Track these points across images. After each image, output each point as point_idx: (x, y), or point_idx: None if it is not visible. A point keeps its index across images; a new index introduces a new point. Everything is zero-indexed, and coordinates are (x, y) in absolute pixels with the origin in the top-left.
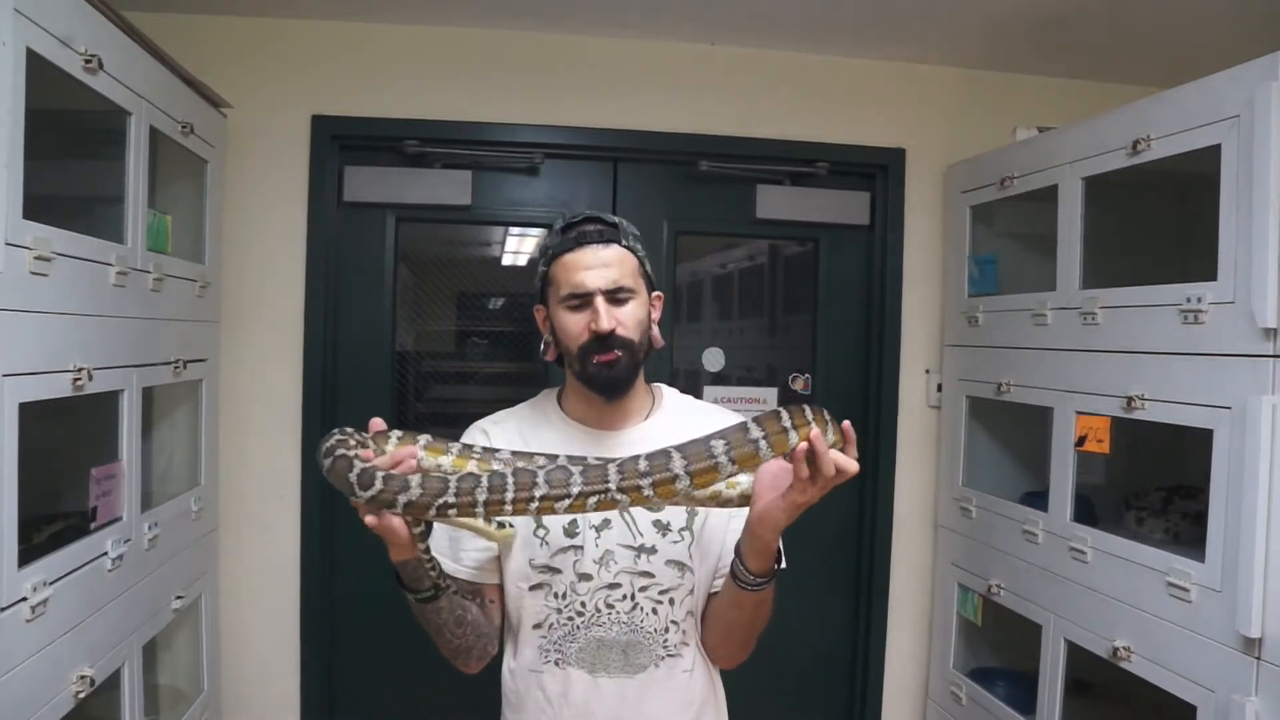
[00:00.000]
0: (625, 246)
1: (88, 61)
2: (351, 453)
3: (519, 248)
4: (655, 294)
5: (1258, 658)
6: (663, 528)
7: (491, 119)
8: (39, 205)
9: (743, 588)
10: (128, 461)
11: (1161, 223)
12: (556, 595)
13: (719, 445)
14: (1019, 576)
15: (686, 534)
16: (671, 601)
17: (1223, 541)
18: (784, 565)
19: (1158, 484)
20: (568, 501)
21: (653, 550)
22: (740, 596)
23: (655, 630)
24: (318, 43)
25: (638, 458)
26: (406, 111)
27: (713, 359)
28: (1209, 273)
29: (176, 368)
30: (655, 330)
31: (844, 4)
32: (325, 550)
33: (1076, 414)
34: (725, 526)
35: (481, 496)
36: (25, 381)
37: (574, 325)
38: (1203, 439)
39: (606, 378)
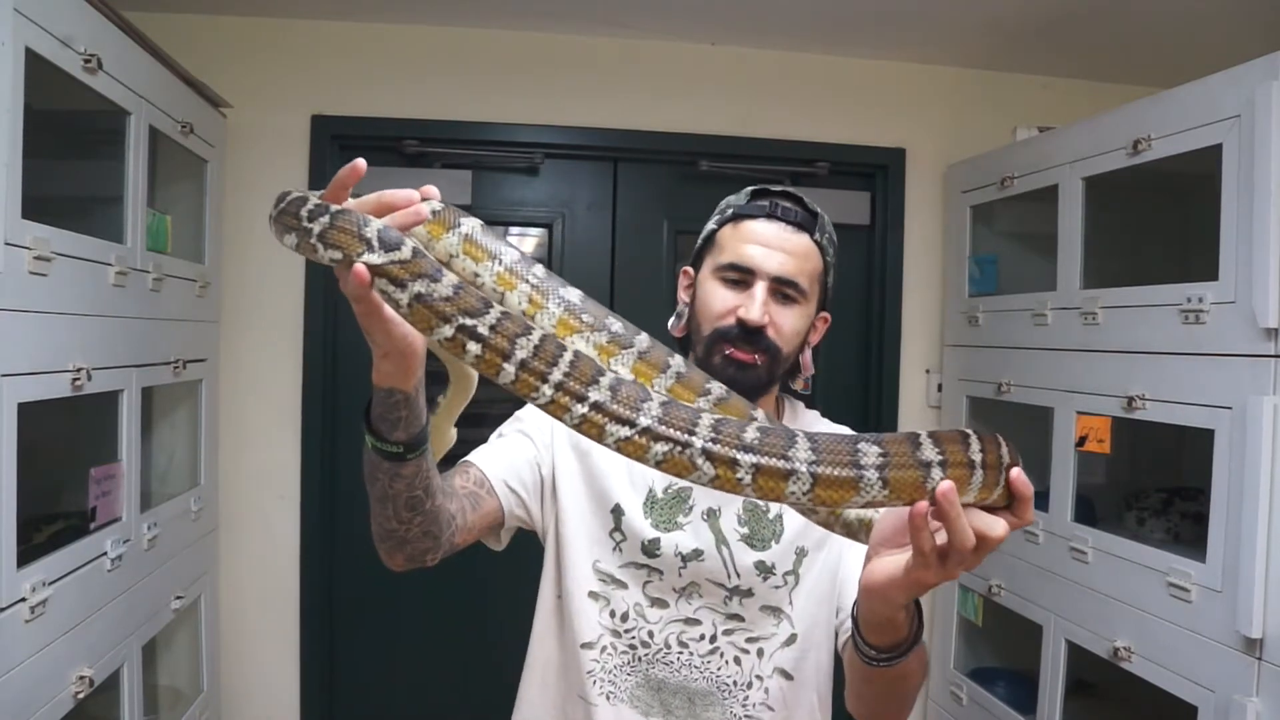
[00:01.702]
0: (819, 244)
1: (87, 61)
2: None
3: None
4: (822, 315)
5: (1258, 658)
6: (765, 570)
7: (491, 119)
8: (39, 205)
9: (867, 663)
10: (127, 462)
11: (1161, 223)
12: (615, 614)
13: (871, 452)
14: (1019, 576)
15: (791, 579)
16: (760, 653)
17: (1223, 542)
18: (922, 634)
19: (1158, 484)
20: (626, 431)
21: (748, 593)
22: (867, 672)
23: (735, 683)
24: (318, 43)
25: (748, 423)
26: (406, 111)
27: None
28: (1210, 273)
29: (176, 368)
30: (808, 354)
31: (844, 4)
32: (325, 550)
33: (1077, 414)
34: (834, 572)
35: (521, 354)
36: (25, 381)
37: (719, 301)
38: (1203, 439)
39: (731, 378)
